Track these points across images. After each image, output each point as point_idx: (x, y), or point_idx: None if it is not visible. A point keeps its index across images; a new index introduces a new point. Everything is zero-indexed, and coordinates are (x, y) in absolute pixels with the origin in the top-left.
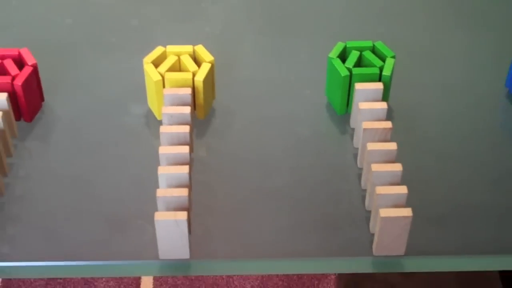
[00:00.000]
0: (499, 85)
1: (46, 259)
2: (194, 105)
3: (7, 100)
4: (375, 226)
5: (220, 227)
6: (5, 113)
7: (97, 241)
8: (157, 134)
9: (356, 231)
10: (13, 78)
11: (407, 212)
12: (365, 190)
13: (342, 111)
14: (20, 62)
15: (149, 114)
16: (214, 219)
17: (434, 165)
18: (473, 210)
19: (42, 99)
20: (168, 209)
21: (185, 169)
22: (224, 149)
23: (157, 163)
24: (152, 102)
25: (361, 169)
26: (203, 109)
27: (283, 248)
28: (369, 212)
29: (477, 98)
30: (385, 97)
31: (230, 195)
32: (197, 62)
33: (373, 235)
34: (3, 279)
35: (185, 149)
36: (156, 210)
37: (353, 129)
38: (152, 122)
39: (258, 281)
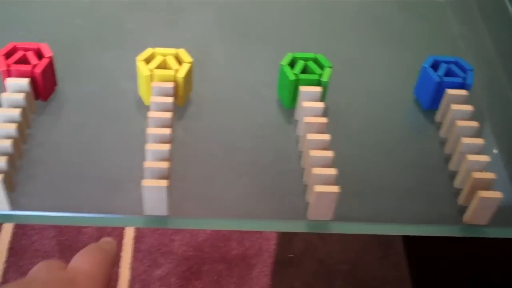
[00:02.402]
0: (409, 92)
1: (55, 210)
2: (175, 95)
3: (29, 84)
4: (310, 197)
5: (193, 192)
6: (27, 94)
7: (95, 198)
8: (145, 116)
9: (296, 199)
10: (34, 66)
11: (335, 188)
12: (303, 169)
13: (289, 106)
14: (39, 54)
15: (139, 101)
16: (188, 186)
17: (357, 152)
18: (383, 188)
19: (56, 84)
20: (153, 177)
21: (167, 146)
22: (197, 130)
23: (144, 139)
24: (142, 91)
25: (301, 152)
26: (182, 99)
27: (240, 210)
28: (306, 185)
29: (392, 102)
30: (322, 98)
31: (202, 167)
32: (179, 62)
33: (307, 203)
34: (16, 228)
35: (168, 130)
36: (143, 177)
37: (297, 121)
38: (141, 106)
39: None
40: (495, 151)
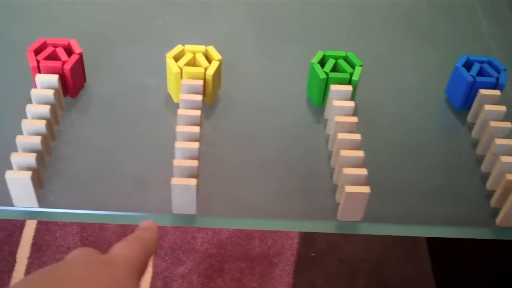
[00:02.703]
0: (441, 92)
1: (82, 208)
2: (204, 93)
3: (58, 81)
4: (340, 198)
5: (220, 191)
6: (56, 90)
7: (123, 196)
8: (174, 114)
9: (325, 199)
10: (63, 63)
11: (366, 189)
12: (333, 168)
13: (318, 105)
14: (69, 50)
15: (168, 98)
16: (216, 184)
17: (387, 152)
18: (412, 188)
19: (85, 80)
20: (182, 176)
21: (196, 144)
22: (225, 128)
23: (173, 136)
24: (171, 88)
25: (331, 151)
26: (211, 97)
27: (268, 209)
28: (336, 185)
29: (423, 101)
30: (353, 97)
31: (229, 165)
32: (208, 59)
33: (337, 203)
34: (39, 224)
35: (197, 128)
36: (172, 175)
37: (326, 120)
38: (171, 104)
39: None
40: None
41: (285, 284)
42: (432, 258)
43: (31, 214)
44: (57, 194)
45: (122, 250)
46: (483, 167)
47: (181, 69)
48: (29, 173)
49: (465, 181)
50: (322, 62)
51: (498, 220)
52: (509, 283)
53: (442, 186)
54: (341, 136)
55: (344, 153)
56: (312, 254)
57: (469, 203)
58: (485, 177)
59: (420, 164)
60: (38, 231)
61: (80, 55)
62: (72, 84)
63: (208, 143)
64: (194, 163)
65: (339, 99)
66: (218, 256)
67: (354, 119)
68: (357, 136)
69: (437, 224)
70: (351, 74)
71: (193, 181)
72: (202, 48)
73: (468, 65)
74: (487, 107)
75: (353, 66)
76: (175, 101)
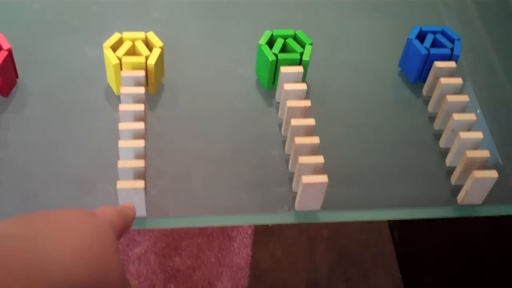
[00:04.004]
0: (394, 65)
1: None
2: (147, 83)
3: None
4: (297, 186)
5: (171, 188)
6: None
7: (67, 200)
8: (115, 106)
9: (282, 189)
10: None
11: (323, 178)
12: (288, 155)
13: (269, 87)
14: None
15: (108, 89)
16: (165, 181)
17: (342, 134)
18: (371, 171)
19: (17, 76)
20: (128, 177)
21: (141, 143)
22: (172, 119)
23: (116, 132)
24: (111, 79)
25: (285, 136)
26: (154, 86)
27: (222, 205)
28: (292, 173)
29: (377, 76)
30: (304, 78)
31: (179, 160)
32: (149, 46)
33: (295, 192)
34: None
35: (141, 125)
36: (117, 174)
37: (278, 103)
38: (112, 96)
39: None
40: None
41: (244, 257)
42: (389, 222)
43: None
44: None
45: (105, 210)
46: (442, 143)
47: (120, 59)
48: None
49: (424, 159)
50: (270, 43)
51: (460, 198)
52: (467, 244)
53: (401, 166)
54: (295, 122)
55: (299, 140)
56: (270, 225)
57: (429, 181)
58: (444, 153)
59: (377, 144)
60: None
61: (9, 51)
62: (2, 83)
63: (155, 137)
64: (141, 163)
65: (290, 81)
66: (174, 234)
67: (307, 103)
68: (311, 122)
69: (399, 206)
70: (301, 54)
71: (140, 184)
72: (141, 34)
73: (421, 37)
74: (443, 80)
75: (302, 45)
76: (116, 93)
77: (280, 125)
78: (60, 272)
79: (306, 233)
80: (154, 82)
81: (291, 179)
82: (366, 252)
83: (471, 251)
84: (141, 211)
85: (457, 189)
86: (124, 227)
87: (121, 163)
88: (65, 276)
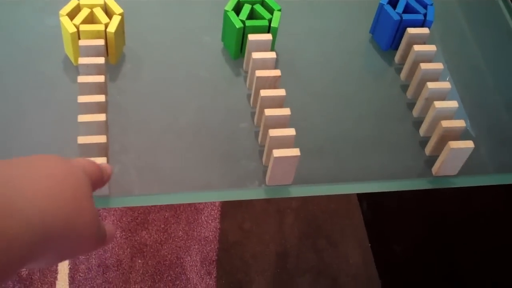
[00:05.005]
0: (365, 32)
1: None
2: (107, 52)
3: None
4: (267, 160)
5: (134, 164)
6: None
7: None
8: (74, 78)
9: (251, 163)
10: None
11: (295, 152)
12: (258, 127)
13: (236, 56)
14: None
15: (66, 59)
16: (129, 157)
17: (313, 104)
18: (343, 142)
19: None
20: (89, 154)
21: (102, 116)
22: (134, 91)
23: (75, 105)
24: (68, 49)
25: (254, 108)
26: (115, 56)
27: (190, 181)
28: (262, 146)
29: (347, 44)
30: (272, 46)
31: (143, 134)
32: (108, 13)
33: (265, 166)
34: None
35: (102, 97)
36: (77, 150)
37: (246, 72)
38: (69, 67)
39: None
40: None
41: (212, 229)
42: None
43: None
44: None
45: (81, 159)
46: (415, 112)
47: (77, 27)
48: None
49: (397, 129)
50: (237, 9)
51: (435, 169)
52: (435, 214)
53: (373, 136)
54: (264, 93)
55: (269, 112)
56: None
57: (403, 152)
58: (417, 123)
59: (348, 114)
60: None
61: None
62: None
63: (116, 110)
64: (102, 138)
65: (259, 50)
66: (140, 208)
67: (277, 72)
68: (281, 92)
69: (372, 178)
70: (270, 21)
71: (102, 161)
72: (100, 0)
73: (393, 1)
74: (416, 47)
75: (271, 11)
76: (74, 63)
77: (248, 96)
78: (31, 210)
79: (275, 204)
80: (115, 52)
81: (260, 152)
82: (335, 221)
83: (439, 221)
84: (103, 190)
85: (432, 159)
86: (99, 178)
87: (82, 139)
88: (36, 214)
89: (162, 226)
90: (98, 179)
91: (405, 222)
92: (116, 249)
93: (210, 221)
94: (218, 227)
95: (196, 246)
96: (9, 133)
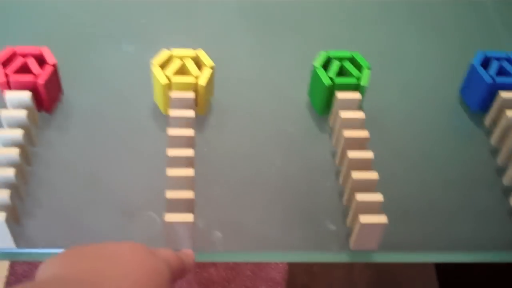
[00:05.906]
0: (455, 92)
1: (64, 245)
2: (196, 104)
3: (31, 98)
4: (351, 223)
5: (218, 219)
6: (30, 109)
7: (108, 226)
8: (162, 126)
9: (335, 225)
10: (36, 77)
11: (382, 219)
12: (342, 187)
13: (322, 112)
14: (41, 60)
15: (155, 108)
16: (213, 211)
17: (400, 167)
18: (429, 209)
19: (61, 92)
20: (176, 209)
21: (191, 172)
22: (220, 143)
23: (163, 154)
24: (158, 99)
25: (338, 167)
26: (203, 108)
27: (272, 239)
28: (346, 206)
29: (436, 103)
30: (361, 105)
31: (227, 187)
32: (199, 65)
33: (348, 228)
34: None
35: (191, 152)
36: (162, 200)
37: (332, 129)
38: (158, 115)
39: None
40: None
41: (280, 270)
42: None
43: (9, 255)
44: (36, 229)
45: (166, 252)
46: (506, 180)
47: (169, 79)
48: (3, 215)
49: (485, 197)
50: (325, 64)
51: None
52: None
53: (460, 204)
54: (352, 155)
55: (357, 175)
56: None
57: (491, 222)
58: (508, 191)
59: (436, 180)
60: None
61: (55, 66)
62: (47, 99)
63: (202, 162)
64: (190, 194)
65: (347, 108)
66: None
67: (365, 133)
68: (369, 155)
69: (457, 248)
70: (359, 79)
71: (189, 217)
72: (191, 52)
73: (485, 63)
74: (509, 112)
75: (359, 68)
76: (163, 112)
77: (333, 153)
78: None
79: None
80: (204, 104)
81: (344, 213)
82: (405, 272)
83: None
84: (187, 245)
85: None
86: (180, 273)
87: (170, 194)
88: None
89: (231, 264)
90: (179, 275)
91: (480, 282)
92: (185, 285)
93: (278, 262)
94: (286, 268)
95: (263, 287)
96: (97, 176)
